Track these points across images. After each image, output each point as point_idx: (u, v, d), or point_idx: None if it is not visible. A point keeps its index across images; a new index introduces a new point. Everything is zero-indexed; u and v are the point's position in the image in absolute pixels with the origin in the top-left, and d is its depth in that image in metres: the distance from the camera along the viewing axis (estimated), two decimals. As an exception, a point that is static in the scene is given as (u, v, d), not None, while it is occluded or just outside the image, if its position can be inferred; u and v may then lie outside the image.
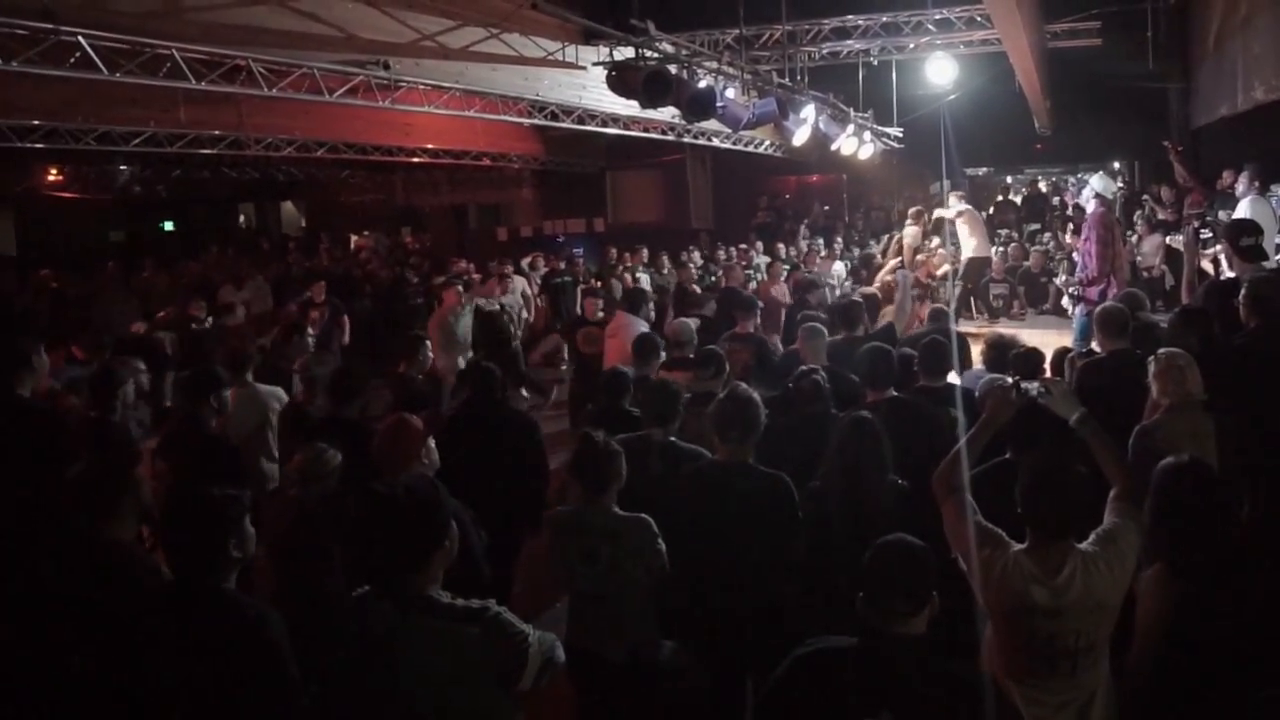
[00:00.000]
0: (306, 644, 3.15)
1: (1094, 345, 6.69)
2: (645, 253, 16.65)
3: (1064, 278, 14.51)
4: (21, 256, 23.92)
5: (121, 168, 21.95)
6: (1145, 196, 16.28)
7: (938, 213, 15.54)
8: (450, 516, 2.97)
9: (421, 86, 10.07)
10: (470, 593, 2.94)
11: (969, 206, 15.20)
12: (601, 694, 4.28)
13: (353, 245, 24.44)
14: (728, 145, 16.56)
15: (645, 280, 15.74)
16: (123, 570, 3.73)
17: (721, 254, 16.59)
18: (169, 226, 29.38)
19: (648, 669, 4.19)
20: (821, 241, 18.09)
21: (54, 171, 21.78)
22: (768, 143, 17.27)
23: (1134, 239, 14.74)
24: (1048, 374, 6.25)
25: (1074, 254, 13.51)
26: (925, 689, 2.67)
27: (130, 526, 3.92)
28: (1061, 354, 7.24)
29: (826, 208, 22.77)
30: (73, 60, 7.05)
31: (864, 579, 2.78)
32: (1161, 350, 4.93)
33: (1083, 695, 3.31)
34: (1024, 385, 3.75)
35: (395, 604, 2.83)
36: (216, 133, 13.36)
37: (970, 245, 14.77)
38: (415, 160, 18.27)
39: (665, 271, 15.82)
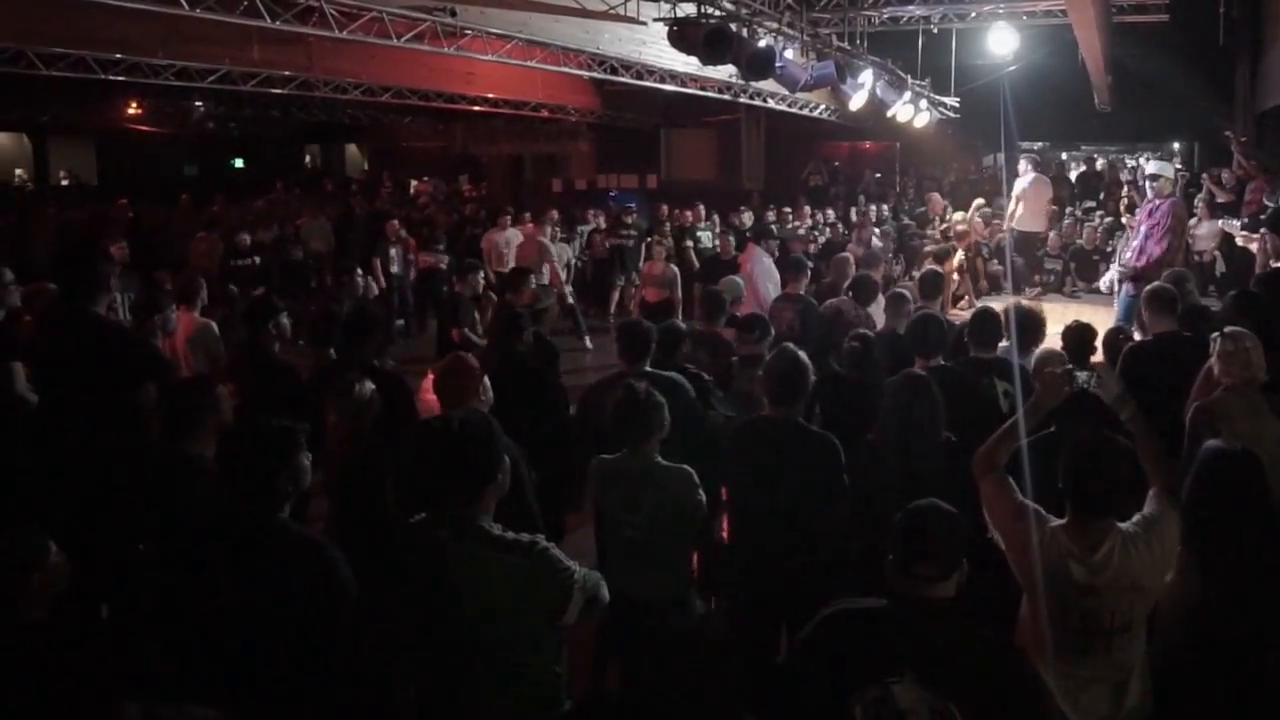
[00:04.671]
0: (361, 566, 3.22)
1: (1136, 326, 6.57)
2: (701, 209, 16.57)
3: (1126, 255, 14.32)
4: (102, 186, 24.55)
5: (196, 104, 22.50)
6: (1204, 176, 16.04)
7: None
8: (503, 452, 3.08)
9: (485, 35, 10.17)
10: (520, 528, 3.04)
11: (1036, 174, 14.95)
12: (632, 638, 4.31)
13: (412, 190, 24.72)
14: (783, 107, 16.47)
15: (706, 239, 15.65)
16: (198, 485, 3.84)
17: (771, 215, 16.53)
18: (239, 163, 30.02)
19: (680, 618, 4.25)
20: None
21: (134, 105, 22.33)
22: (823, 106, 17.17)
23: (1192, 222, 14.53)
24: (1099, 352, 6.11)
25: (1129, 234, 13.36)
26: (950, 652, 2.65)
27: (210, 444, 3.95)
28: (1113, 334, 7.13)
29: (878, 175, 22.54)
30: (156, -7, 7.26)
31: (894, 541, 2.76)
32: (1228, 329, 4.76)
33: (1116, 674, 3.25)
34: (1076, 374, 3.65)
35: (450, 532, 2.94)
36: (287, 73, 13.50)
37: (1017, 216, 14.65)
38: (476, 109, 18.43)
39: (717, 232, 15.79)
